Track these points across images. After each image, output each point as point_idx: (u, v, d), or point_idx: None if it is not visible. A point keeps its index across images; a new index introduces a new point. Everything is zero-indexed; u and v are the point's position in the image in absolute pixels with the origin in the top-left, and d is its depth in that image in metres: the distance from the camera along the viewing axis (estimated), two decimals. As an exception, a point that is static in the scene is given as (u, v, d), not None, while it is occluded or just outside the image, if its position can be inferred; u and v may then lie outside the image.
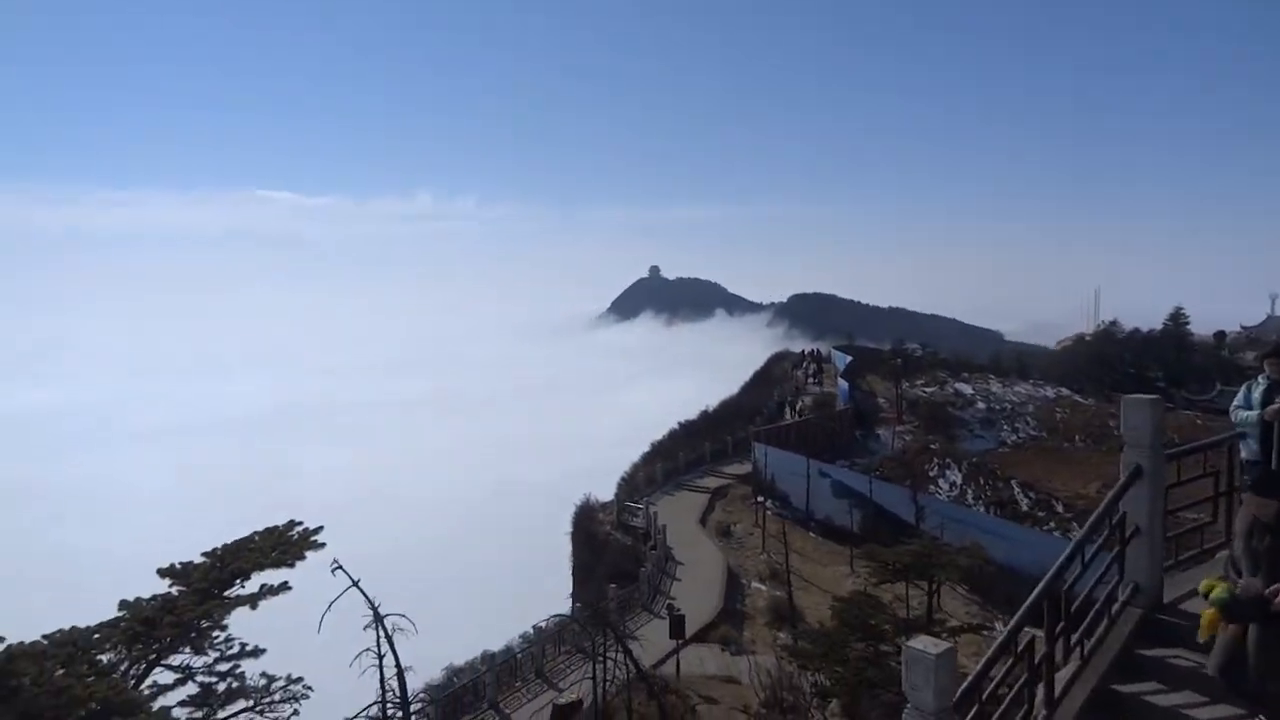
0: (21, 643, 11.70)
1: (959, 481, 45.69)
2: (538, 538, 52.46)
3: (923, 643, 6.39)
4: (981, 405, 65.45)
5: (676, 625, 25.20)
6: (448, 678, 24.99)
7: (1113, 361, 75.41)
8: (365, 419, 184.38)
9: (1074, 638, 7.78)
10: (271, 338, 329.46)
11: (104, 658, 12.25)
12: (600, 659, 18.03)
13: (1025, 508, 42.87)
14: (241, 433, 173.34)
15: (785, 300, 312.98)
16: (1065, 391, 71.41)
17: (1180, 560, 9.37)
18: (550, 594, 41.17)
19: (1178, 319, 77.08)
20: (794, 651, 21.40)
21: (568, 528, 42.72)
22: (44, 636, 12.39)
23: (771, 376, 73.89)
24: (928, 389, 68.77)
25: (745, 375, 75.91)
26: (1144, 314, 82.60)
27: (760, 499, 40.62)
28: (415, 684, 16.78)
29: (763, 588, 33.53)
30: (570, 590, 41.69)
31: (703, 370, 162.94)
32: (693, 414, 56.90)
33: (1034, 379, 75.01)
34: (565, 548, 42.66)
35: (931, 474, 46.06)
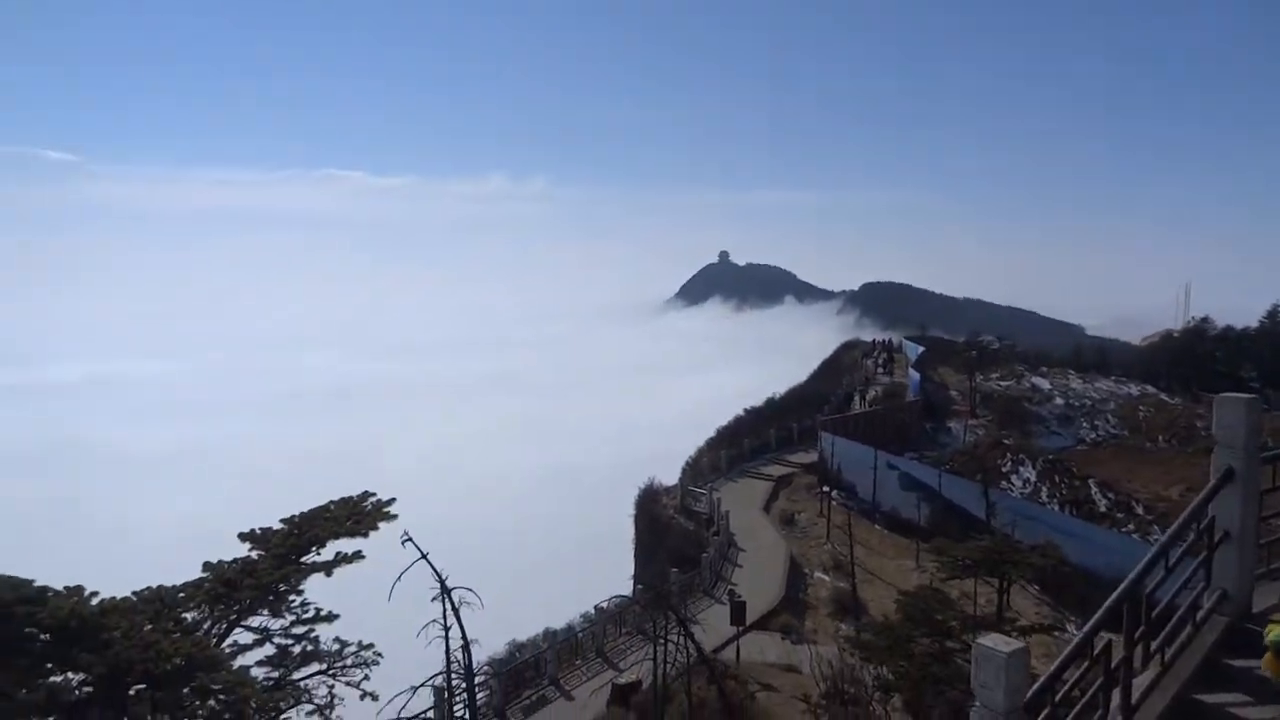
0: (113, 598, 12.37)
1: (1033, 479, 44.38)
2: (600, 519, 52.93)
3: (994, 640, 6.22)
4: (1059, 401, 63.42)
5: (737, 611, 25.17)
6: (510, 652, 25.48)
7: (1203, 359, 72.12)
8: (432, 397, 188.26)
9: (1154, 644, 7.47)
10: (344, 315, 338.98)
11: (188, 616, 12.86)
12: (661, 641, 18.10)
13: (1103, 508, 41.42)
14: (314, 407, 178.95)
15: (857, 289, 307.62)
16: (1150, 389, 68.67)
17: (1272, 569, 8.92)
18: (611, 575, 41.50)
19: (1275, 316, 73.27)
20: (857, 643, 21.15)
21: (631, 510, 42.98)
22: (133, 593, 13.04)
23: (840, 365, 72.90)
24: (1003, 383, 66.93)
25: (813, 363, 75.15)
26: (1238, 312, 78.81)
27: (825, 489, 40.21)
28: (479, 656, 17.12)
29: (826, 578, 33.20)
30: (632, 572, 41.98)
31: (770, 357, 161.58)
32: (759, 401, 56.53)
33: (1116, 375, 72.34)
34: (627, 530, 42.92)
35: (1004, 470, 44.84)
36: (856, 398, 57.68)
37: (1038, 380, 68.49)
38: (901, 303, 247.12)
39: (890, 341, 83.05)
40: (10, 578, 11.41)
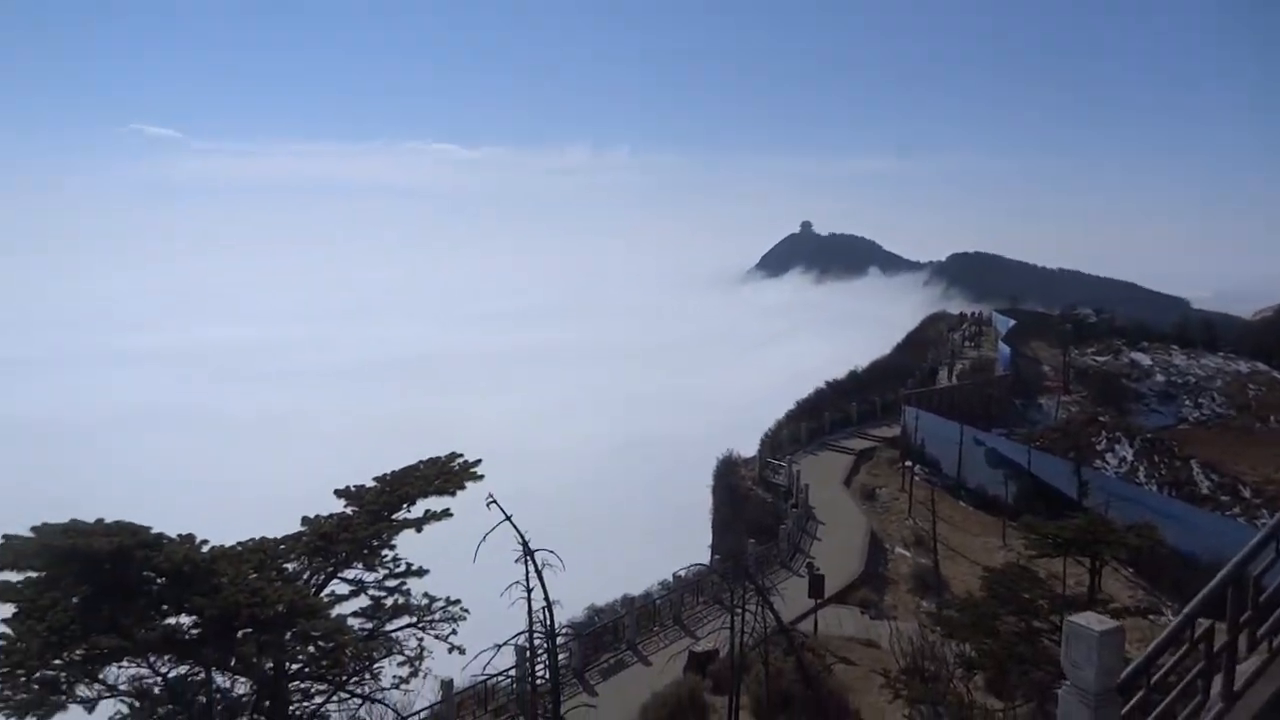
0: (221, 546, 13.15)
1: (1130, 458, 42.68)
2: (677, 489, 53.31)
3: (1086, 618, 6.09)
4: (1160, 377, 60.56)
5: (816, 584, 25.07)
6: (589, 616, 25.99)
7: (1322, 336, 67.66)
8: (515, 366, 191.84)
9: (1260, 630, 7.17)
10: (432, 285, 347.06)
11: (289, 566, 13.57)
12: (739, 611, 18.20)
13: (1206, 490, 39.59)
14: (401, 375, 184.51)
15: (944, 259, 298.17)
16: (1261, 367, 64.83)
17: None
18: (688, 545, 41.82)
19: (1406, 291, 68.07)
20: (939, 620, 20.81)
21: (709, 481, 43.12)
22: (238, 543, 13.83)
23: (926, 338, 71.15)
24: (1099, 358, 64.28)
25: (897, 336, 73.57)
26: (1364, 285, 73.41)
27: (908, 463, 39.53)
28: (559, 619, 17.56)
29: (907, 554, 32.75)
30: (709, 542, 42.23)
31: (853, 329, 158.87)
32: (841, 373, 55.76)
33: (1225, 351, 68.45)
34: (705, 500, 43.12)
35: (1098, 448, 43.21)
36: (943, 372, 56.26)
37: (1137, 355, 65.45)
38: (992, 274, 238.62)
39: (980, 314, 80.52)
40: (130, 524, 12.22)
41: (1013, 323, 67.36)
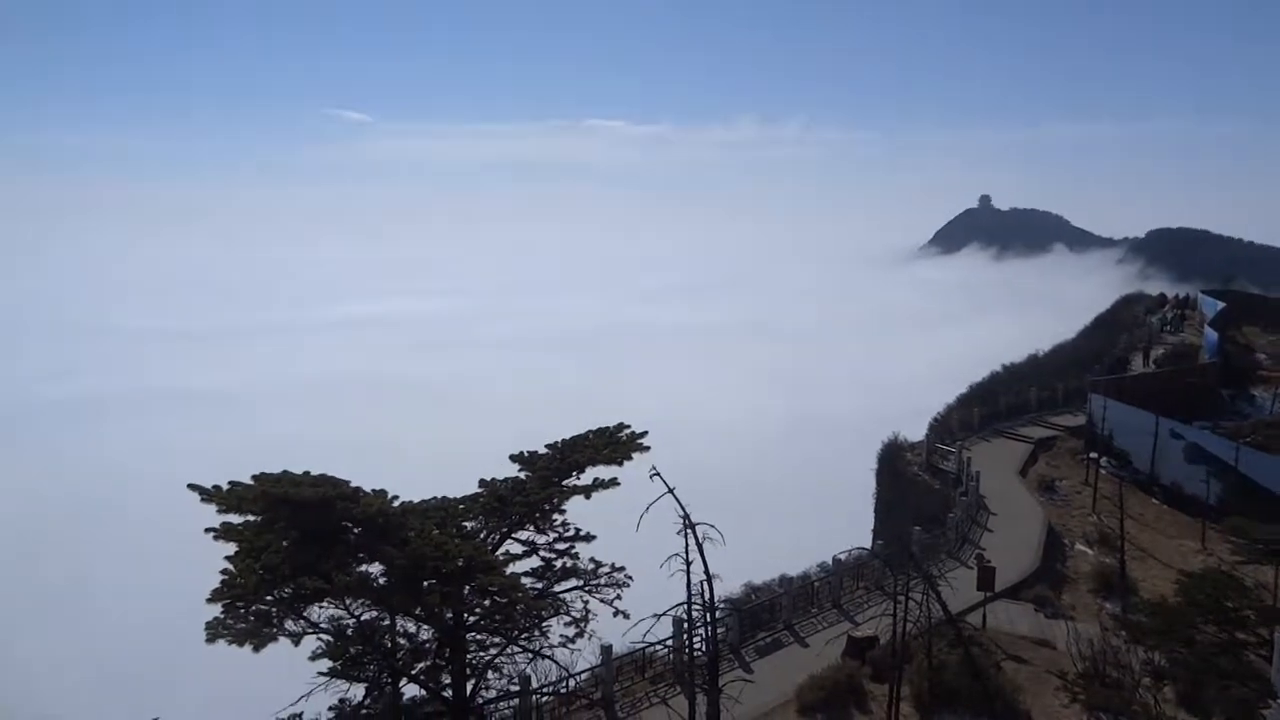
0: (410, 501, 14.22)
1: (1363, 460, 37.76)
2: (843, 471, 52.25)
3: (1306, 631, 5.54)
4: None
5: (985, 577, 23.95)
6: (746, 594, 26.06)
7: None
8: (680, 341, 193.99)
9: None
10: (604, 261, 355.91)
11: (468, 524, 14.49)
12: (902, 599, 17.70)
13: None
14: (573, 348, 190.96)
15: (1142, 236, 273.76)
16: None
17: None
18: (851, 528, 41.06)
19: None
20: (1125, 624, 19.43)
21: (873, 464, 42.02)
22: (422, 501, 14.91)
23: (1119, 321, 65.78)
24: (1328, 346, 57.10)
25: (1086, 319, 68.66)
26: None
27: (1094, 455, 36.84)
28: (717, 593, 17.77)
29: (1089, 551, 30.65)
30: (872, 526, 41.22)
31: (1035, 310, 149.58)
32: (1019, 357, 52.66)
33: None
34: (869, 484, 42.07)
35: (1324, 448, 38.51)
36: (1139, 357, 51.89)
37: (1375, 344, 57.65)
38: (1197, 251, 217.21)
39: (1186, 297, 73.45)
40: (330, 477, 13.46)
41: (1222, 305, 60.87)
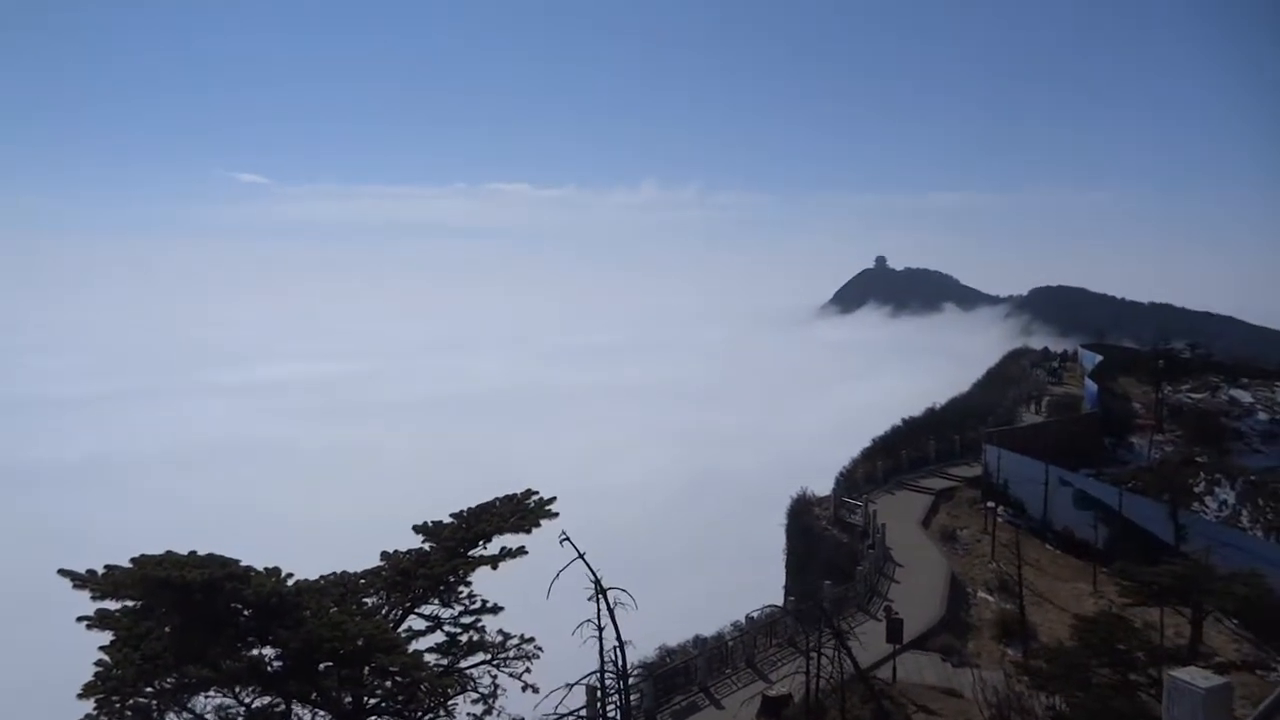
0: (305, 579, 13.49)
1: (1232, 501, 40.31)
2: (751, 528, 52.58)
3: (1190, 674, 5.77)
4: (1264, 415, 57.30)
5: (894, 629, 24.28)
6: (660, 656, 25.66)
7: None
8: (584, 402, 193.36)
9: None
10: (507, 322, 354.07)
11: (368, 600, 13.85)
12: (814, 654, 17.74)
13: (1317, 537, 37.00)
14: (476, 410, 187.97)
15: (1025, 293, 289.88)
16: (1378, 405, 60.75)
17: None
18: (761, 585, 41.07)
19: None
20: (1026, 669, 19.92)
21: (782, 520, 42.42)
22: (320, 577, 14.18)
23: (1007, 375, 69.06)
24: (1195, 395, 61.31)
25: (977, 373, 71.69)
26: None
27: (991, 504, 38.14)
28: (630, 659, 17.42)
29: (990, 598, 31.51)
30: (784, 583, 41.42)
31: (929, 366, 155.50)
32: (918, 411, 54.41)
33: (1335, 389, 64.45)
34: (778, 540, 42.41)
35: (1197, 490, 40.97)
36: (1027, 409, 54.45)
37: (1237, 392, 62.15)
38: (1076, 308, 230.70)
39: (1064, 351, 77.94)
40: (218, 556, 12.66)
41: (1100, 358, 64.83)
